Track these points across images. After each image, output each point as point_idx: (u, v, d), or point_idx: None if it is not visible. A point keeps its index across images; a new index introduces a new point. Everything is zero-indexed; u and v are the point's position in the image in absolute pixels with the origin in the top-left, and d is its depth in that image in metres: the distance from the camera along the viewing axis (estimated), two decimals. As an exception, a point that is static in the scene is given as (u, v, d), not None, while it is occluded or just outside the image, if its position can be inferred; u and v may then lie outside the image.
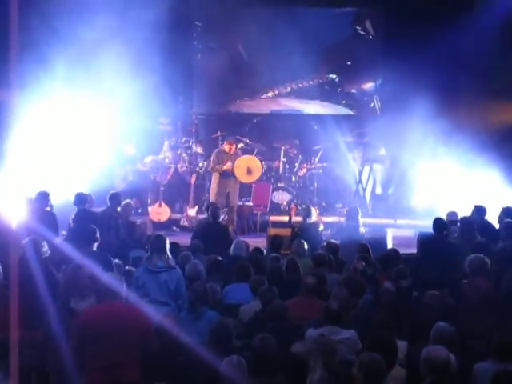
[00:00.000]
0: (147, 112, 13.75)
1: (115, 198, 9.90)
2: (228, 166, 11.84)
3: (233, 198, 11.98)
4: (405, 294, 6.50)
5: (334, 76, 14.75)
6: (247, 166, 12.10)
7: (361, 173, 13.44)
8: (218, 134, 13.28)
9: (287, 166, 13.49)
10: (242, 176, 12.01)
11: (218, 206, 10.19)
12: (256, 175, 12.24)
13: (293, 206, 11.71)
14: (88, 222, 8.90)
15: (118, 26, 13.37)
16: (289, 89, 14.75)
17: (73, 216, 9.44)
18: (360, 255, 7.83)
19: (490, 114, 13.44)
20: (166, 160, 13.16)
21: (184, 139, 13.41)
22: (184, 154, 13.21)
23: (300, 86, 14.73)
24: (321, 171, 13.60)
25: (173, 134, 13.59)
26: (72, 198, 9.80)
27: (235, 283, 7.24)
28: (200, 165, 13.17)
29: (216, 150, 12.21)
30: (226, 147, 12.08)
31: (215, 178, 11.99)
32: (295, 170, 13.39)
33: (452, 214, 9.54)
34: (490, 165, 13.28)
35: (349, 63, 14.74)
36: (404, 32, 13.92)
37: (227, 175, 11.94)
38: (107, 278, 5.73)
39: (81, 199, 9.62)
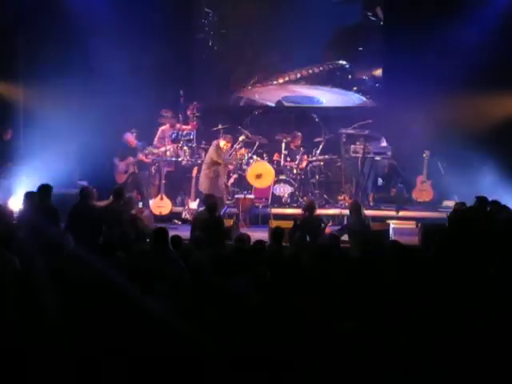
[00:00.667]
0: (148, 104, 13.77)
1: (119, 192, 9.93)
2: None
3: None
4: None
5: (345, 62, 14.69)
6: (258, 173, 12.42)
7: (362, 165, 13.41)
8: (220, 126, 13.26)
9: (288, 159, 13.46)
10: (252, 180, 12.47)
11: (216, 200, 10.27)
12: (267, 180, 12.54)
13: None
14: (89, 216, 8.94)
15: (121, 12, 13.42)
16: (299, 75, 14.72)
17: (72, 210, 9.42)
18: (362, 247, 7.83)
19: (492, 106, 13.42)
20: (168, 153, 13.15)
21: (185, 132, 13.39)
22: (185, 147, 13.20)
23: (310, 72, 14.68)
24: (322, 163, 13.59)
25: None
26: (72, 191, 9.81)
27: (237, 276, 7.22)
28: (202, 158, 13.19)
29: (215, 145, 12.33)
30: (222, 143, 12.28)
31: (219, 169, 12.17)
32: (296, 162, 13.36)
33: (460, 205, 9.58)
34: (489, 156, 13.32)
35: (360, 49, 14.67)
36: (405, 23, 13.93)
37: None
38: None
39: (83, 193, 9.62)
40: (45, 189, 9.35)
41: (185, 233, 10.05)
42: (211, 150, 12.40)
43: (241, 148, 12.91)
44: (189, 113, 13.45)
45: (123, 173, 12.91)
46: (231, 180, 13.05)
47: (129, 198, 10.03)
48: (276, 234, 8.70)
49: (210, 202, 9.82)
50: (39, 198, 9.24)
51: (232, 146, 12.69)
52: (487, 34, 13.13)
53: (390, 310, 5.98)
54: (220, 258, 7.60)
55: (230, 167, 12.90)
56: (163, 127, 13.47)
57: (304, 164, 13.40)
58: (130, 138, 13.00)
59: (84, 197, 9.51)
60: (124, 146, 13.03)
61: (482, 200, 9.49)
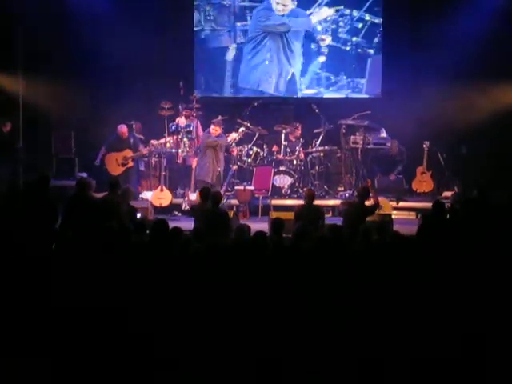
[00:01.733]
0: (148, 96, 13.76)
1: (114, 183, 9.91)
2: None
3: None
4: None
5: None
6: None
7: (362, 156, 13.41)
8: (220, 118, 13.24)
9: (288, 150, 13.45)
10: None
11: (220, 192, 10.33)
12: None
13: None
14: (87, 207, 8.92)
15: (121, 1, 13.42)
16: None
17: (68, 201, 9.40)
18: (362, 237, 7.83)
19: (492, 96, 13.42)
20: (168, 144, 13.14)
21: (185, 124, 13.38)
22: (185, 139, 13.18)
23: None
24: (322, 154, 13.58)
25: (174, 119, 13.56)
26: (71, 183, 9.81)
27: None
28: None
29: (206, 131, 12.68)
30: (211, 127, 12.58)
31: (210, 154, 12.39)
32: (296, 153, 13.35)
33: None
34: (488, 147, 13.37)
35: None
36: (404, 14, 13.93)
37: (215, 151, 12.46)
38: None
39: (81, 184, 9.62)
40: (43, 180, 9.34)
41: (185, 224, 10.07)
42: (202, 137, 12.75)
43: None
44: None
45: (120, 165, 12.86)
46: (230, 172, 13.01)
47: (126, 188, 10.04)
48: (276, 224, 8.69)
49: (213, 194, 9.82)
50: (37, 189, 9.22)
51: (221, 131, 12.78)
52: (486, 24, 13.13)
53: (390, 301, 5.98)
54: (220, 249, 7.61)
55: (233, 151, 12.91)
56: (179, 119, 13.41)
57: (302, 155, 13.39)
58: (124, 129, 12.93)
59: (81, 188, 9.50)
60: (115, 137, 12.95)
61: (482, 190, 9.49)
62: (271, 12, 14.49)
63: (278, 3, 14.43)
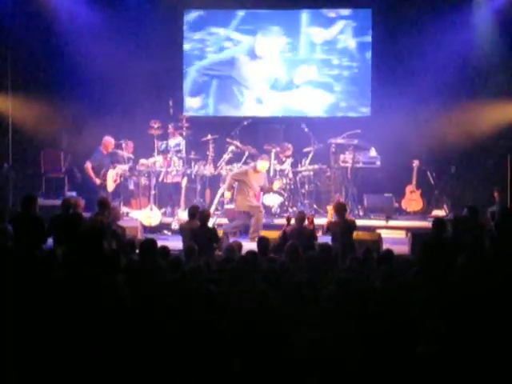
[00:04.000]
0: (138, 115, 13.77)
1: (104, 203, 9.89)
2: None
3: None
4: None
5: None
6: None
7: (352, 174, 13.43)
8: (209, 137, 13.25)
9: (278, 169, 13.44)
10: None
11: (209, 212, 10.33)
12: None
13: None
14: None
15: (109, 23, 13.44)
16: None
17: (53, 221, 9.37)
18: (352, 256, 7.84)
19: (482, 116, 13.48)
20: (157, 163, 13.11)
21: (174, 143, 13.37)
22: (175, 158, 13.16)
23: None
24: (311, 173, 13.58)
25: (163, 138, 13.54)
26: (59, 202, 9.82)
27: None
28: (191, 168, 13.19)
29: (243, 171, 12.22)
30: (260, 165, 12.09)
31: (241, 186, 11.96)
32: (286, 172, 13.35)
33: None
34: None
35: None
36: (394, 32, 13.98)
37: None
38: None
39: (65, 205, 9.62)
40: (29, 199, 9.30)
41: (175, 243, 10.05)
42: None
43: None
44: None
45: (114, 182, 12.85)
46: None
47: (114, 208, 10.01)
48: (261, 244, 8.68)
49: (202, 213, 9.84)
50: (23, 208, 9.19)
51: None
52: (474, 44, 13.26)
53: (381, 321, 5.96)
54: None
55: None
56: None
57: (291, 174, 13.38)
58: (111, 143, 12.94)
59: (66, 208, 9.54)
60: (99, 154, 12.93)
61: (472, 210, 9.50)
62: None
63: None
